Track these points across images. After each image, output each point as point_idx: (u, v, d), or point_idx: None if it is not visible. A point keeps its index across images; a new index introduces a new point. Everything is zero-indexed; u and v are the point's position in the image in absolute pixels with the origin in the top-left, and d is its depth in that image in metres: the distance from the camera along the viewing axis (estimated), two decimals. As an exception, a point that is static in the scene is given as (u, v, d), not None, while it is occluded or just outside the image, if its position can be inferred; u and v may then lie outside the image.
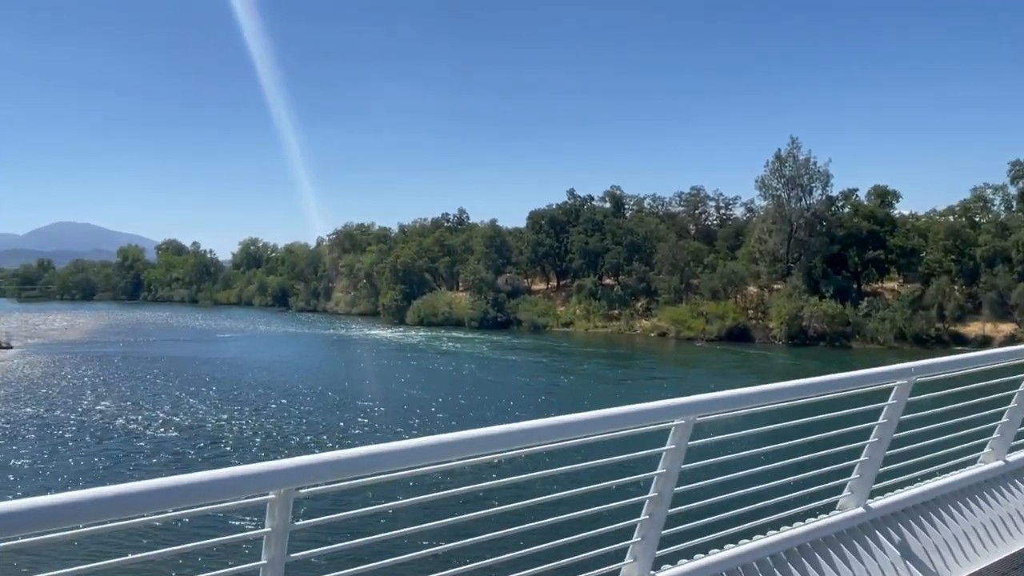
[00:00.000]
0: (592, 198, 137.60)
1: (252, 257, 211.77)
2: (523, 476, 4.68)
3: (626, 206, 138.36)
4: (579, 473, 5.24)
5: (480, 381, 64.42)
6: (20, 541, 2.72)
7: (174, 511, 3.14)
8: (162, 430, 44.24)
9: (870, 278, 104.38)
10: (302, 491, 3.41)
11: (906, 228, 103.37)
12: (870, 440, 6.17)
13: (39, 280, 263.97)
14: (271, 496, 3.31)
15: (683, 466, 4.91)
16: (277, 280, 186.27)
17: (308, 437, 42.75)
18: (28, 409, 50.59)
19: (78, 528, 2.80)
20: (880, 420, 6.15)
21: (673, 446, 4.83)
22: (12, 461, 37.11)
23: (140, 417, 47.97)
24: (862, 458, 6.20)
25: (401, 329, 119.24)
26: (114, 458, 38.01)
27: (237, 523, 21.30)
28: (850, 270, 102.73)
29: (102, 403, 52.78)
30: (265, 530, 3.38)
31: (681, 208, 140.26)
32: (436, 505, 4.36)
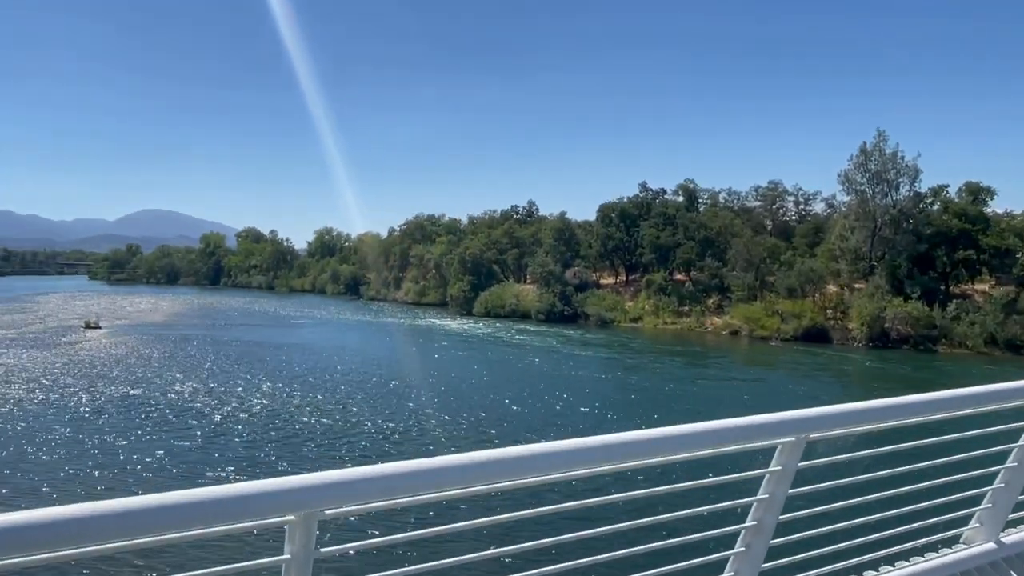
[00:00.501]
0: (664, 192, 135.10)
1: (326, 246, 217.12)
2: (593, 500, 4.01)
3: (700, 200, 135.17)
4: (661, 497, 4.50)
5: (550, 376, 63.91)
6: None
7: (177, 534, 2.65)
8: (236, 412, 45.46)
9: (959, 279, 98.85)
10: (328, 512, 2.91)
11: (1001, 227, 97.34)
12: (1006, 465, 5.36)
13: (127, 264, 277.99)
14: (290, 518, 2.83)
15: (790, 491, 4.26)
16: (349, 269, 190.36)
17: (374, 424, 43.18)
18: (112, 387, 52.88)
19: (66, 550, 2.37)
20: (1021, 442, 5.33)
21: (779, 467, 4.19)
22: (95, 437, 38.75)
23: (215, 398, 49.48)
24: (996, 485, 5.40)
25: (468, 320, 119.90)
26: (191, 437, 39.21)
27: (251, 548, 21.04)
28: (938, 270, 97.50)
29: (181, 383, 54.74)
30: (283, 557, 2.92)
31: (757, 203, 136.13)
32: (484, 532, 3.63)
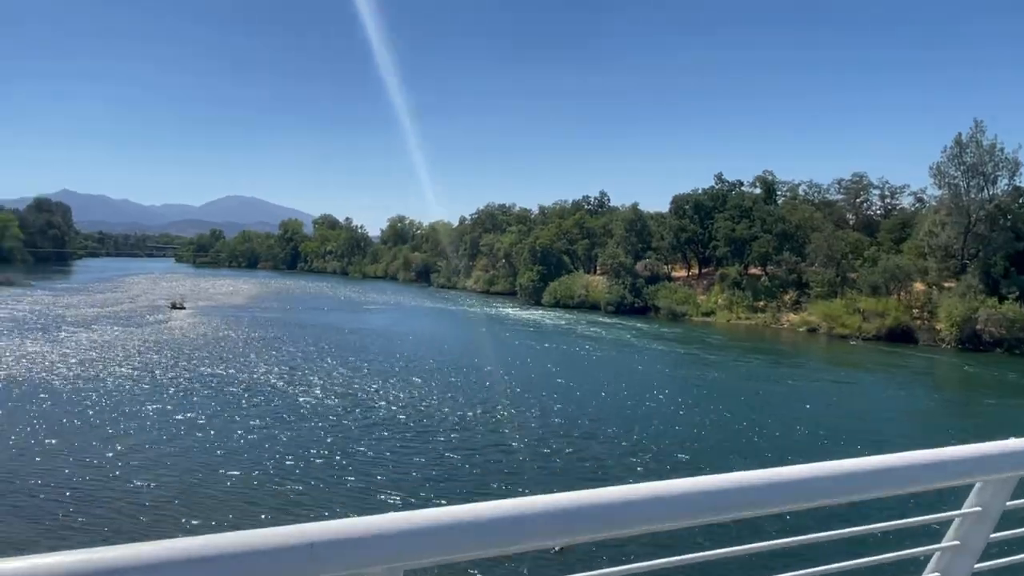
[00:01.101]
0: (741, 183, 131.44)
1: (399, 234, 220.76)
2: (744, 548, 3.20)
3: (778, 192, 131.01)
4: (825, 545, 3.51)
5: (625, 370, 63.11)
6: None
7: None
8: (313, 396, 46.57)
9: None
10: (420, 561, 2.35)
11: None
12: None
13: (211, 248, 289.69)
14: (376, 571, 2.29)
15: (992, 535, 3.55)
16: (421, 257, 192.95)
17: (449, 414, 43.48)
18: (195, 366, 55.05)
19: None
20: None
21: (977, 509, 3.50)
22: (179, 413, 40.38)
23: (292, 382, 50.84)
24: None
25: (537, 310, 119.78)
26: (269, 419, 40.37)
27: None
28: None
29: (260, 365, 56.53)
30: None
31: (840, 196, 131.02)
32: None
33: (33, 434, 35.21)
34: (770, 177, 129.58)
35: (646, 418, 43.17)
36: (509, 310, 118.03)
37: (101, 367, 52.66)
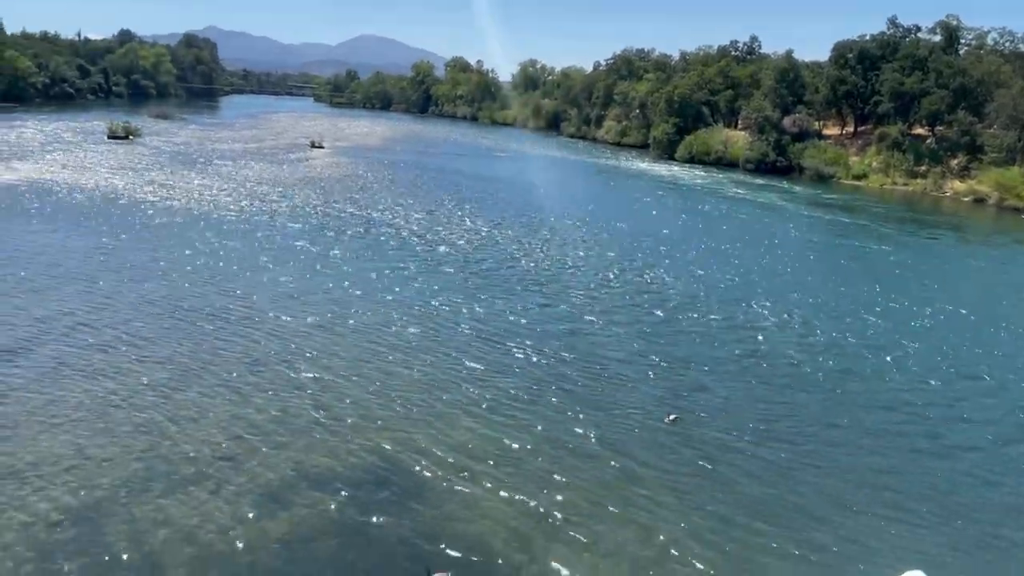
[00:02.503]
0: (918, 28, 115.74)
1: (530, 79, 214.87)
2: None
3: (962, 41, 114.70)
4: None
5: (765, 236, 59.82)
6: None
7: None
8: (447, 241, 47.16)
9: None
10: None
11: None
12: None
13: (346, 88, 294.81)
14: None
15: None
16: (551, 104, 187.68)
17: (587, 270, 42.96)
18: (333, 204, 56.90)
19: None
20: None
21: None
22: (316, 247, 42.07)
23: (426, 226, 51.64)
24: None
25: (670, 165, 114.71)
26: (406, 261, 41.36)
27: None
28: None
29: (395, 207, 57.72)
30: None
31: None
32: None
33: (190, 262, 37.84)
34: (954, 22, 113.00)
35: (789, 292, 40.88)
36: (642, 165, 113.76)
37: (248, 201, 55.48)
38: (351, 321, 30.48)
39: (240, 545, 15.85)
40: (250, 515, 16.96)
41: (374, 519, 16.99)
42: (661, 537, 16.81)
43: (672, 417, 22.36)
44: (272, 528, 16.50)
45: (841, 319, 35.62)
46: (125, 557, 15.29)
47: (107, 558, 15.22)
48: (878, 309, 37.66)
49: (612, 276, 40.85)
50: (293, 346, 27.47)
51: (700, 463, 20.32)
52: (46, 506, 16.84)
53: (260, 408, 22.37)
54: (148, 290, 32.77)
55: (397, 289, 35.28)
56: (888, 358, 30.35)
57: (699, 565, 15.87)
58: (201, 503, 17.33)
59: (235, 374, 24.77)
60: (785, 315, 35.38)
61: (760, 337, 31.95)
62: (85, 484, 17.80)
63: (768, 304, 36.96)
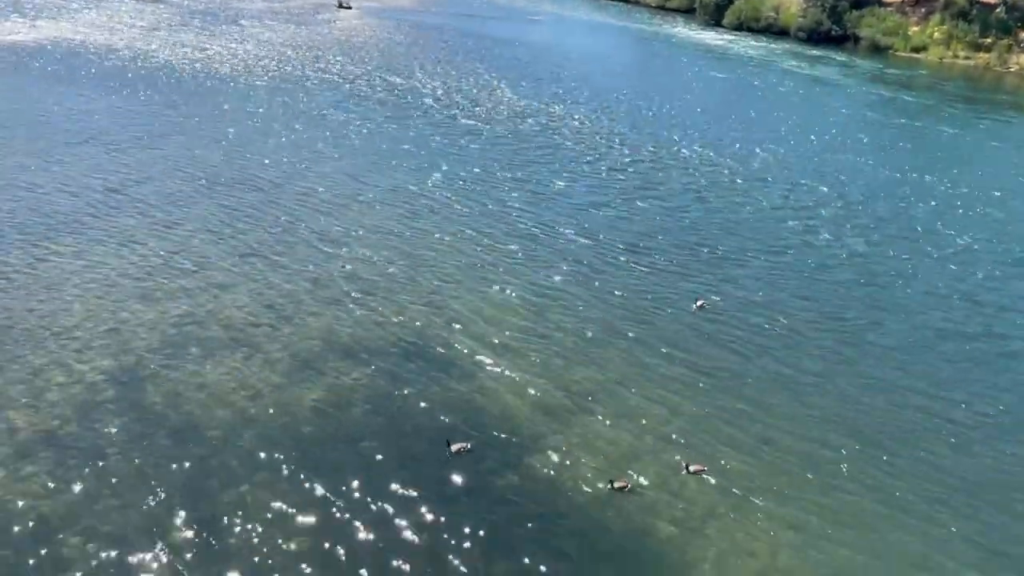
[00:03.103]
0: None
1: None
2: None
3: None
4: None
5: (817, 111, 57.00)
6: None
7: None
8: (476, 111, 45.66)
9: None
10: None
11: None
12: None
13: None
14: None
15: None
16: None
17: (615, 147, 41.59)
18: (357, 68, 55.03)
19: None
20: None
21: None
22: (346, 115, 41.06)
23: (455, 94, 49.89)
24: None
25: (717, 33, 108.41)
26: (434, 128, 40.28)
27: None
28: None
29: (424, 73, 55.64)
30: None
31: None
32: None
33: (217, 127, 37.27)
34: None
35: (836, 174, 39.21)
36: (686, 31, 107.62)
37: (276, 65, 53.86)
38: (383, 191, 30.10)
39: (273, 410, 16.38)
40: (282, 381, 17.43)
41: (402, 390, 17.37)
42: (684, 416, 17.01)
43: (700, 303, 22.12)
44: (304, 394, 16.97)
45: (890, 204, 34.22)
46: (164, 418, 15.92)
47: (147, 418, 15.87)
48: (929, 195, 36.03)
49: (648, 153, 39.50)
50: (324, 215, 27.34)
51: (724, 349, 20.25)
52: (85, 367, 17.45)
53: (291, 277, 22.55)
54: (178, 155, 32.53)
55: (428, 160, 34.57)
56: (937, 250, 29.14)
57: (719, 444, 16.10)
58: (235, 368, 17.82)
59: (267, 242, 24.85)
60: (831, 199, 34.04)
61: (802, 223, 30.90)
62: (123, 348, 18.33)
63: (814, 187, 35.59)
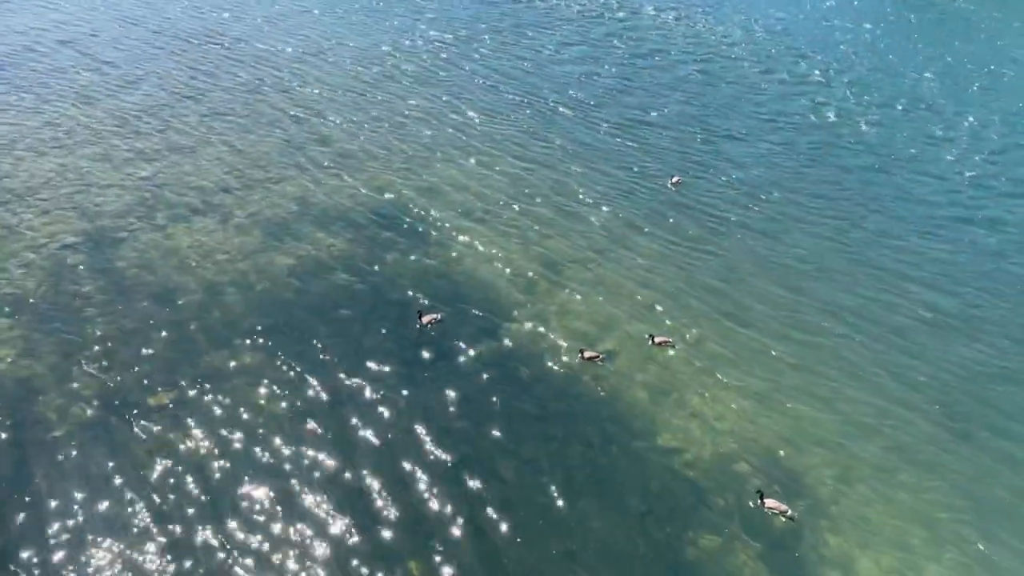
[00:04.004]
0: None
1: None
2: None
3: None
4: None
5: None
6: None
7: None
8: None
9: None
10: None
11: None
12: None
13: None
14: None
15: None
16: None
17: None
18: None
19: None
20: None
21: None
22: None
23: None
24: None
25: None
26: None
27: None
28: None
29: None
30: None
31: None
32: None
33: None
34: None
35: (839, 44, 37.45)
36: None
37: None
38: (356, 51, 28.70)
39: (251, 276, 16.34)
40: (258, 247, 17.28)
41: (379, 258, 17.34)
42: (656, 289, 17.25)
43: (676, 179, 21.72)
44: (279, 260, 16.90)
45: (898, 81, 32.26)
46: (139, 283, 15.82)
47: (122, 283, 15.76)
48: (941, 72, 33.85)
49: (649, 18, 37.56)
50: (292, 75, 26.16)
51: (703, 227, 19.96)
52: (54, 229, 17.10)
53: (260, 140, 21.85)
54: (132, 5, 30.44)
55: (407, 19, 32.76)
56: (944, 131, 27.56)
57: (691, 316, 16.46)
58: (208, 233, 17.58)
59: (231, 102, 23.86)
60: (836, 75, 32.20)
61: (807, 100, 29.33)
62: (90, 210, 17.90)
63: (821, 62, 33.48)
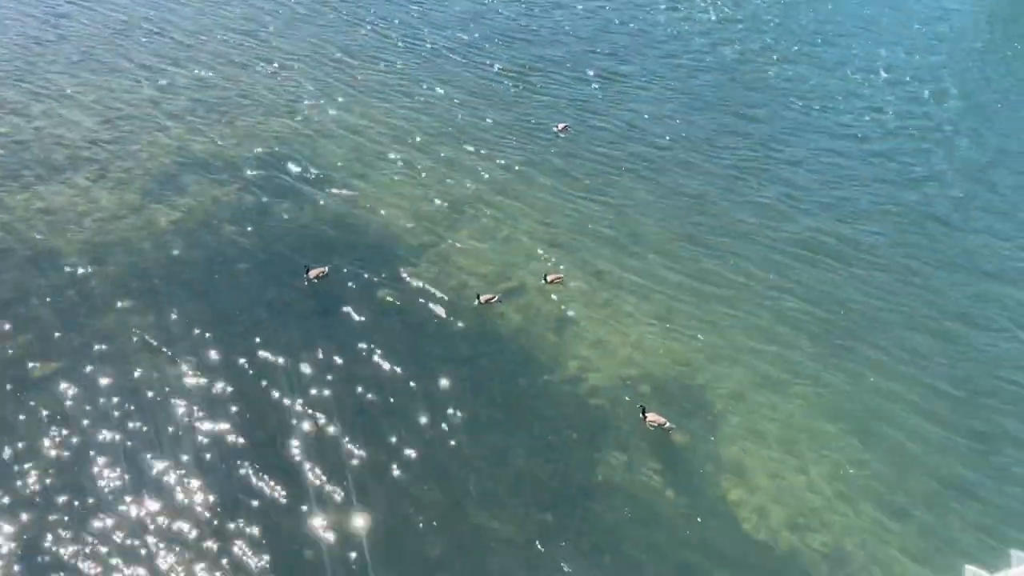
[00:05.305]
0: None
1: None
2: None
3: None
4: None
5: None
6: None
7: None
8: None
9: None
10: None
11: None
12: None
13: None
14: None
15: None
16: None
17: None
18: None
19: None
20: None
21: None
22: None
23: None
24: None
25: None
26: None
27: None
28: None
29: None
30: None
31: None
32: None
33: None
34: None
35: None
36: None
37: None
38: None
39: (133, 233, 15.48)
40: (140, 201, 16.36)
41: (270, 207, 16.72)
42: (547, 230, 17.14)
43: (562, 126, 21.27)
44: (164, 214, 16.07)
45: (793, 20, 30.31)
46: (6, 248, 14.74)
47: (-13, 248, 14.64)
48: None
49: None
50: (162, 19, 24.38)
51: (586, 172, 19.48)
52: (-96, 194, 15.61)
53: (132, 86, 20.44)
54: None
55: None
56: (855, 67, 26.47)
57: (578, 256, 16.61)
58: (84, 190, 16.49)
59: (98, 43, 22.12)
60: (731, 9, 30.22)
61: (696, 37, 27.73)
62: (-56, 170, 16.41)
63: None
